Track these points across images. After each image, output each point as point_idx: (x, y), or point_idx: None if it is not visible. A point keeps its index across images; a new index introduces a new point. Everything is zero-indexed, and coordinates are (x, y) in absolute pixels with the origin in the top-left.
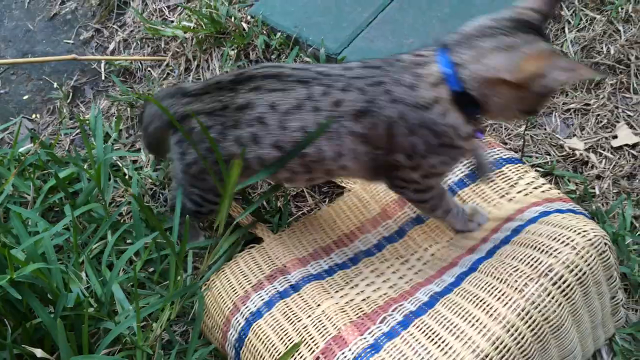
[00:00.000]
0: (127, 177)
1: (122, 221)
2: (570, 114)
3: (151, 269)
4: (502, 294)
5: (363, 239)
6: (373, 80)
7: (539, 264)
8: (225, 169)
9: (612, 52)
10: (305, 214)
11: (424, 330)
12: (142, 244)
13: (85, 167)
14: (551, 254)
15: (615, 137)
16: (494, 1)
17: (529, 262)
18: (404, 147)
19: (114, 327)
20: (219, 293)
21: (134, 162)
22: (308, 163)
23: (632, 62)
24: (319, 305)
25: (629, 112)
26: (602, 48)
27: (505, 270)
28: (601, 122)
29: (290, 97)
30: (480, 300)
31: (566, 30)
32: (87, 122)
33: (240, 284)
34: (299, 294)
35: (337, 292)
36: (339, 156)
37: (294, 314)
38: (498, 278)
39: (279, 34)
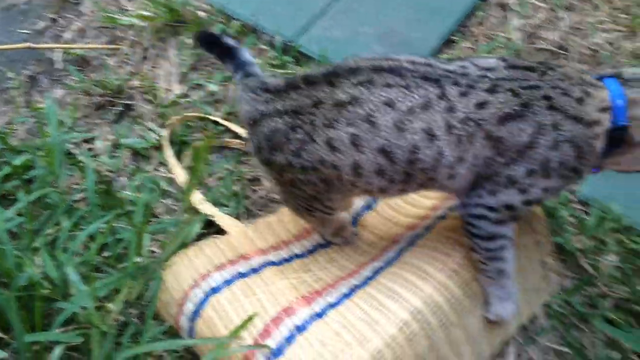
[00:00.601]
0: (82, 164)
1: (78, 207)
2: None
3: (107, 254)
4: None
5: None
6: (528, 83)
7: None
8: (313, 176)
9: (554, 38)
10: (261, 197)
11: (365, 299)
12: (97, 225)
13: (40, 155)
14: None
15: None
16: None
17: None
18: (536, 160)
19: (68, 307)
20: (179, 271)
21: (90, 149)
22: (414, 170)
23: (573, 47)
24: (274, 283)
25: None
26: (545, 35)
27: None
28: None
29: (416, 95)
30: (418, 269)
31: (512, 18)
32: (42, 110)
33: (202, 264)
34: (258, 275)
35: (292, 274)
36: (458, 162)
37: (250, 289)
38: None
39: (235, 22)
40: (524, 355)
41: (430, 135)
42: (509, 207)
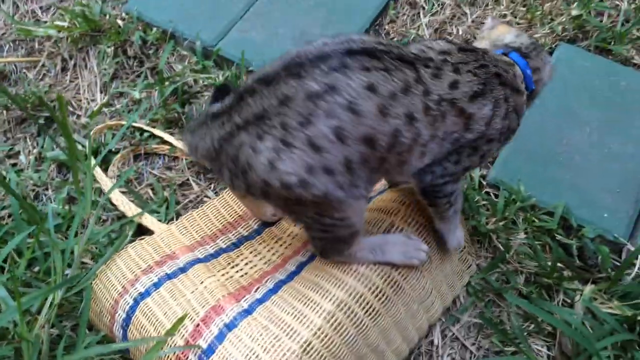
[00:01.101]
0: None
1: (5, 224)
2: None
3: (37, 268)
4: None
5: (245, 226)
6: (479, 63)
7: None
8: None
9: (460, 32)
10: (191, 202)
11: (291, 292)
12: (19, 239)
13: None
14: None
15: None
16: None
17: None
18: (495, 129)
19: None
20: (108, 279)
21: (14, 165)
22: (391, 153)
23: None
24: (202, 282)
25: None
26: (452, 29)
27: None
28: None
29: (397, 79)
30: (340, 263)
31: (421, 15)
32: None
33: (130, 269)
34: (185, 275)
35: (219, 271)
36: (431, 140)
37: (179, 291)
38: None
39: (154, 29)
40: (448, 333)
41: (411, 119)
42: (468, 168)
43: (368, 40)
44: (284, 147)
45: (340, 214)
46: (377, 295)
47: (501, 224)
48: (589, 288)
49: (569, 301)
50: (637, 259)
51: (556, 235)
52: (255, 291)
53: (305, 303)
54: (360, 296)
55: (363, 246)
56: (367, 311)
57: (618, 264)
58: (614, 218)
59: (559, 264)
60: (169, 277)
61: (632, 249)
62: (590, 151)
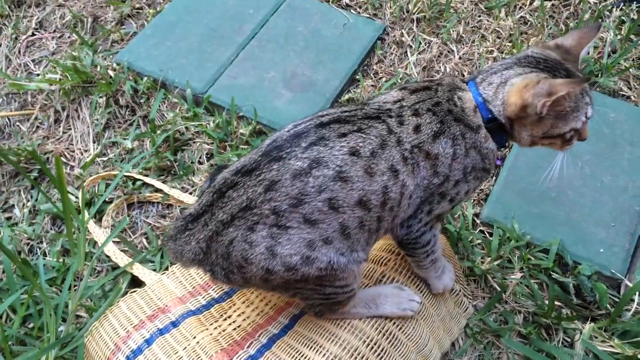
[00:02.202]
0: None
1: (0, 279)
2: None
3: (32, 325)
4: None
5: None
6: (432, 101)
7: None
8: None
9: (448, 69)
10: None
11: (285, 349)
12: (12, 299)
13: None
14: None
15: None
16: (342, 33)
17: None
18: (458, 170)
19: None
20: (101, 336)
21: (8, 219)
22: (384, 211)
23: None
24: (194, 337)
25: None
26: (439, 67)
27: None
28: None
29: (373, 135)
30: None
31: (409, 54)
32: None
33: (122, 325)
34: (177, 329)
35: (211, 324)
36: (415, 190)
37: (171, 347)
38: None
39: (145, 78)
40: None
41: (394, 172)
42: (440, 215)
43: (333, 111)
44: (280, 232)
45: (342, 282)
46: (372, 348)
47: (496, 263)
48: (588, 327)
49: (569, 340)
50: (635, 294)
51: (552, 273)
52: (249, 346)
53: (299, 359)
54: (355, 350)
55: (356, 302)
56: None
57: (617, 299)
58: (610, 253)
59: (557, 303)
60: (161, 332)
61: (630, 284)
62: (583, 185)
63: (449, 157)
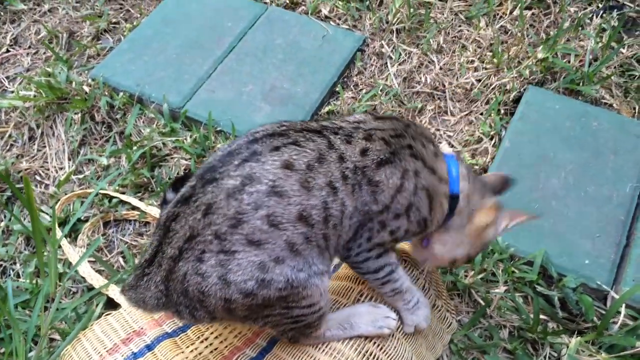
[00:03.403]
0: None
1: None
2: None
3: (2, 350)
4: None
5: None
6: (395, 132)
7: None
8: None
9: (429, 80)
10: None
11: None
12: None
13: None
14: None
15: None
16: (322, 45)
17: None
18: (402, 204)
19: None
20: None
21: None
22: (328, 228)
23: (446, 87)
24: None
25: (448, 133)
26: (420, 78)
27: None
28: None
29: (309, 149)
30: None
31: (389, 65)
32: None
33: (95, 349)
34: (152, 353)
35: (188, 347)
36: (354, 212)
37: None
38: None
39: (121, 93)
40: None
41: (333, 189)
42: (382, 244)
43: (270, 127)
44: (227, 257)
45: (307, 300)
46: None
47: (480, 277)
48: (574, 341)
49: (555, 355)
50: (622, 306)
51: (537, 286)
52: None
53: None
54: None
55: (330, 324)
56: None
57: (603, 312)
58: (596, 264)
59: (542, 316)
60: (135, 356)
61: (617, 296)
62: (567, 196)
63: (393, 188)
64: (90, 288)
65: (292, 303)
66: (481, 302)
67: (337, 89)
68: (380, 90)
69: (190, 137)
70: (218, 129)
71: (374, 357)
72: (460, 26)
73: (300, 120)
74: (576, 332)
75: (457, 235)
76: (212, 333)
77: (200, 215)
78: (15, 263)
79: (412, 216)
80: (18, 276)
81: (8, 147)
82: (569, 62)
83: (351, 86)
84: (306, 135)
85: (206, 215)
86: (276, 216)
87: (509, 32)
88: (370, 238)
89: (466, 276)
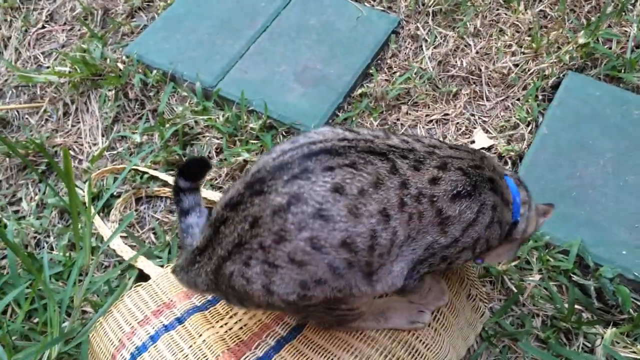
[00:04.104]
0: (6, 228)
1: (6, 273)
2: (433, 125)
3: (36, 320)
4: None
5: None
6: (473, 162)
7: None
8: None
9: (464, 64)
10: None
11: (294, 354)
12: (15, 294)
13: None
14: None
15: (473, 142)
16: (356, 26)
17: None
18: (471, 238)
19: None
20: (105, 332)
21: (16, 212)
22: (373, 256)
23: (482, 72)
24: (200, 335)
25: (483, 118)
26: (456, 61)
27: None
28: (460, 129)
29: (366, 173)
30: None
31: (424, 48)
32: None
33: (126, 320)
34: (183, 326)
35: (217, 322)
36: (405, 240)
37: (177, 345)
38: None
39: (154, 71)
40: None
41: (386, 217)
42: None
43: (329, 137)
44: (270, 269)
45: (348, 305)
46: (386, 356)
47: (513, 264)
48: (610, 332)
49: (589, 345)
50: None
51: (572, 275)
52: (256, 348)
53: None
54: (368, 358)
55: (366, 315)
56: None
57: None
58: (633, 255)
59: (577, 306)
60: (166, 328)
61: None
62: (605, 185)
63: (465, 222)
64: (122, 262)
65: (334, 306)
66: (514, 289)
67: (371, 71)
68: (415, 74)
69: (223, 116)
70: (250, 108)
71: (410, 347)
72: (498, 10)
73: (370, 130)
74: (611, 324)
75: (508, 246)
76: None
77: (248, 226)
78: (49, 236)
79: (479, 248)
80: (51, 249)
81: (43, 122)
82: (611, 48)
83: (385, 69)
84: (367, 157)
85: (252, 227)
86: (319, 240)
87: (549, 17)
88: (428, 272)
89: (499, 263)
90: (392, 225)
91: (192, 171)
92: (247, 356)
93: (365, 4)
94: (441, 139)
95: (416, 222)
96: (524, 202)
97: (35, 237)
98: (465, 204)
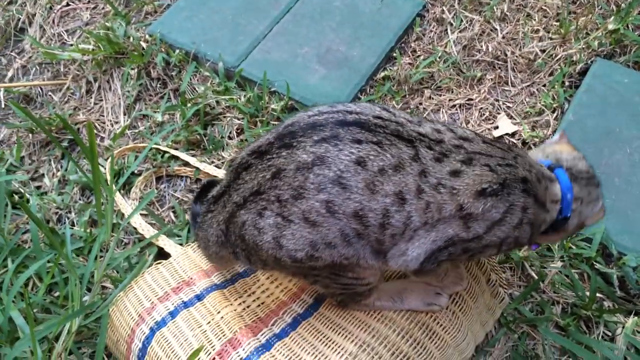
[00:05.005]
0: (29, 203)
1: (27, 247)
2: (456, 109)
3: (57, 293)
4: None
5: None
6: (505, 161)
7: None
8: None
9: (490, 49)
10: None
11: (311, 331)
12: (37, 266)
13: None
14: None
15: (496, 127)
16: (380, 9)
17: None
18: (497, 237)
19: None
20: (125, 307)
21: (38, 188)
22: (384, 235)
23: (508, 57)
24: (218, 312)
25: (508, 104)
26: (481, 46)
27: None
28: (484, 114)
29: (389, 154)
30: None
31: (449, 31)
32: None
33: (146, 296)
34: (202, 303)
35: (236, 299)
36: (422, 226)
37: (195, 320)
38: None
39: (177, 50)
40: None
41: (401, 199)
42: (456, 260)
43: (365, 112)
44: (284, 223)
45: (354, 274)
46: (404, 338)
47: (534, 250)
48: (631, 320)
49: (609, 334)
50: None
51: (595, 263)
52: (273, 324)
53: (326, 343)
54: (385, 338)
55: (381, 294)
56: (393, 353)
57: None
58: None
59: (598, 295)
60: (185, 305)
61: None
62: (632, 173)
63: (490, 220)
64: (141, 240)
65: (340, 273)
66: (535, 276)
67: (394, 55)
68: (439, 57)
69: (244, 96)
70: (272, 89)
71: (428, 329)
72: None
73: (404, 112)
74: (633, 313)
75: (562, 234)
76: (258, 287)
77: (270, 175)
78: (70, 212)
79: (505, 246)
80: (73, 224)
81: (66, 100)
82: None
83: (409, 52)
84: (393, 140)
85: (274, 178)
86: (334, 204)
87: (577, 2)
88: (449, 259)
89: (520, 249)
90: (407, 210)
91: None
92: (264, 332)
93: None
94: (469, 128)
95: (434, 212)
96: (577, 198)
97: (56, 213)
98: (491, 202)
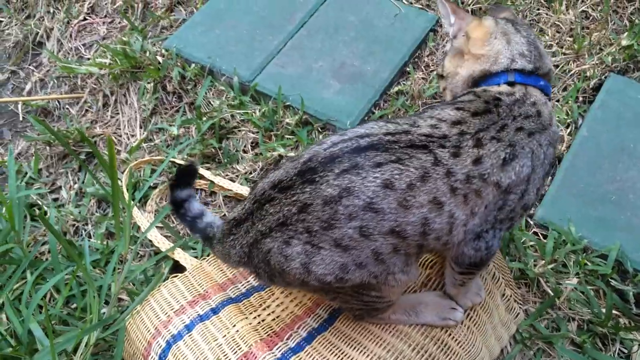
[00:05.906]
0: (47, 215)
1: (45, 259)
2: None
3: (74, 305)
4: None
5: None
6: (498, 125)
7: None
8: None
9: None
10: None
11: (326, 345)
12: (57, 279)
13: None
14: None
15: None
16: (394, 24)
17: None
18: (539, 178)
19: None
20: (142, 320)
21: (55, 200)
22: (427, 240)
23: None
24: (234, 325)
25: None
26: None
27: None
28: None
29: (412, 167)
30: None
31: None
32: (5, 163)
33: (163, 309)
34: (217, 316)
35: (251, 313)
36: (470, 216)
37: (211, 334)
38: None
39: (193, 65)
40: None
41: (438, 204)
42: (506, 218)
43: (374, 132)
44: (313, 250)
45: (378, 293)
46: (419, 353)
47: (550, 267)
48: None
49: (625, 351)
50: None
51: (611, 280)
52: (288, 338)
53: (341, 358)
54: (400, 353)
55: (396, 308)
56: None
57: None
58: None
59: (614, 312)
60: (201, 318)
61: None
62: None
63: (526, 175)
64: (157, 252)
65: (363, 291)
66: (550, 292)
67: (408, 69)
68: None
69: (259, 110)
70: (287, 103)
71: (443, 343)
72: (538, 9)
73: (400, 118)
74: None
75: None
76: (274, 302)
77: (296, 210)
78: (87, 224)
79: (547, 176)
80: (89, 237)
81: (83, 113)
82: None
83: (422, 67)
84: (410, 152)
85: (301, 212)
86: (368, 228)
87: (591, 17)
88: (511, 226)
89: (535, 265)
90: (447, 210)
91: (184, 179)
92: (280, 346)
93: (404, 1)
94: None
95: (474, 199)
96: (544, 74)
97: (73, 225)
98: (517, 165)
